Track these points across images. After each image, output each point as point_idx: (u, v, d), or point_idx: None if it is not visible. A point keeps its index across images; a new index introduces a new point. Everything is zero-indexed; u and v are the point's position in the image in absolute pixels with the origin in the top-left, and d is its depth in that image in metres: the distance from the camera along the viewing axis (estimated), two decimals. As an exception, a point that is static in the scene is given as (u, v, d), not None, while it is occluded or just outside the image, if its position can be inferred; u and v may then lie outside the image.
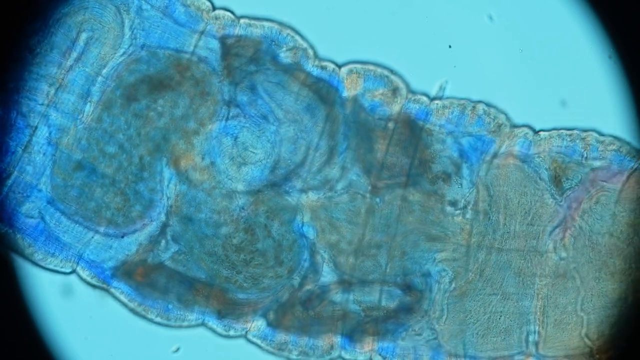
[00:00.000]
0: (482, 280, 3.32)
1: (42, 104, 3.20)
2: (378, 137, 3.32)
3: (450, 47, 3.41)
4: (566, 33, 3.41)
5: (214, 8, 3.31)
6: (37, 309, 3.31)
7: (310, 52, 3.32)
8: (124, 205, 3.24)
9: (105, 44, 3.23)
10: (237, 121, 3.27)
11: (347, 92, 3.33)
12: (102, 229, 3.25)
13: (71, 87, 3.21)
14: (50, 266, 3.28)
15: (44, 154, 3.21)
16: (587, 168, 3.34)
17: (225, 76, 3.28)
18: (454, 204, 3.32)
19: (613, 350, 3.30)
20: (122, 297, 3.30)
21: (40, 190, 3.22)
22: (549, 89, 3.42)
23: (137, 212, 3.25)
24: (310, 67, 3.32)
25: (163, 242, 3.27)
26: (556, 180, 3.33)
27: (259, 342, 3.34)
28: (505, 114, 3.36)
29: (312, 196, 3.30)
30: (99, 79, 3.22)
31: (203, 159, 3.26)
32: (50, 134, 3.21)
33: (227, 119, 3.27)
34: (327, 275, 3.31)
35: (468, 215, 3.32)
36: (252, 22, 3.31)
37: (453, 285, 3.32)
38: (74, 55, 3.21)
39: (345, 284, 3.31)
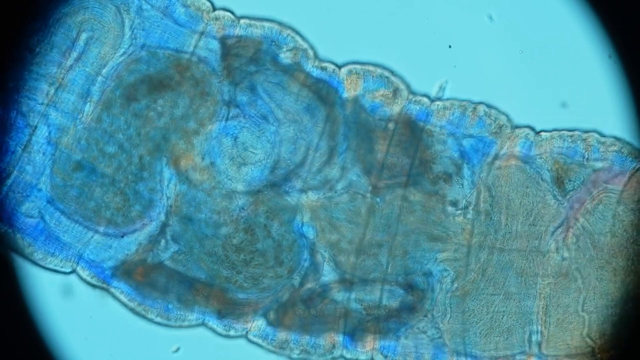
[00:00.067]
0: (485, 280, 3.31)
1: (42, 104, 3.21)
2: (378, 137, 3.32)
3: (450, 47, 3.42)
4: (566, 33, 3.42)
5: (214, 8, 3.31)
6: (37, 309, 3.31)
7: (311, 52, 3.33)
8: (124, 205, 3.24)
9: (105, 44, 3.23)
10: (237, 121, 3.28)
11: (347, 93, 3.33)
12: (101, 229, 3.25)
13: (71, 86, 3.22)
14: (50, 266, 3.28)
15: (44, 153, 3.21)
16: (588, 169, 3.34)
17: (225, 76, 3.28)
18: (455, 204, 3.32)
19: (615, 349, 3.29)
20: (122, 297, 3.30)
21: (40, 190, 3.22)
22: (549, 89, 3.42)
23: (136, 212, 3.25)
24: (310, 67, 3.33)
25: (163, 242, 3.27)
26: (558, 182, 3.33)
27: (259, 341, 3.33)
28: (507, 115, 3.36)
29: (312, 196, 3.30)
30: (99, 78, 3.23)
31: (203, 159, 3.26)
32: (50, 133, 3.21)
33: (227, 119, 3.27)
34: (328, 274, 3.31)
35: (469, 216, 3.31)
36: (252, 22, 3.32)
37: (455, 285, 3.31)
38: (74, 55, 3.22)
39: (347, 283, 3.30)
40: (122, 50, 3.24)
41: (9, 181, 3.20)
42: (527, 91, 3.41)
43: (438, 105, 3.35)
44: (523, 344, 3.32)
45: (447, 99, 3.37)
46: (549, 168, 3.33)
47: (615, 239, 3.31)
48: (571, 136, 3.36)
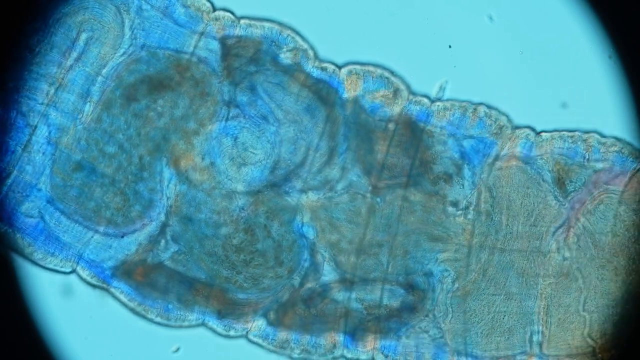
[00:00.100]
0: (485, 280, 3.31)
1: (42, 104, 3.21)
2: (378, 138, 3.32)
3: (450, 47, 3.42)
4: (566, 33, 3.42)
5: (214, 9, 3.32)
6: (37, 309, 3.30)
7: (311, 53, 3.33)
8: (124, 205, 3.24)
9: (105, 44, 3.24)
10: (237, 122, 3.28)
11: (347, 94, 3.33)
12: (101, 229, 3.25)
13: (71, 86, 3.22)
14: (50, 266, 3.28)
15: (44, 153, 3.21)
16: (589, 170, 3.33)
17: (225, 77, 3.28)
18: (455, 204, 3.32)
19: (616, 349, 3.28)
20: (122, 297, 3.30)
21: (39, 190, 3.22)
22: (550, 90, 3.42)
23: (136, 212, 3.25)
24: (311, 68, 3.33)
25: (163, 242, 3.27)
26: (560, 183, 3.32)
27: (260, 341, 3.32)
28: (507, 116, 3.36)
29: (312, 196, 3.30)
30: (99, 78, 3.23)
31: (203, 159, 3.26)
32: (49, 133, 3.21)
33: (227, 120, 3.27)
34: (328, 274, 3.30)
35: (470, 216, 3.31)
36: (253, 22, 3.32)
37: (456, 285, 3.30)
38: (74, 55, 3.22)
39: (347, 283, 3.30)
40: (122, 51, 3.24)
41: (9, 181, 3.20)
42: (528, 92, 3.41)
43: (438, 105, 3.35)
44: (524, 344, 3.31)
45: (448, 100, 3.37)
46: (550, 169, 3.33)
47: (617, 238, 3.31)
48: (572, 137, 3.36)
